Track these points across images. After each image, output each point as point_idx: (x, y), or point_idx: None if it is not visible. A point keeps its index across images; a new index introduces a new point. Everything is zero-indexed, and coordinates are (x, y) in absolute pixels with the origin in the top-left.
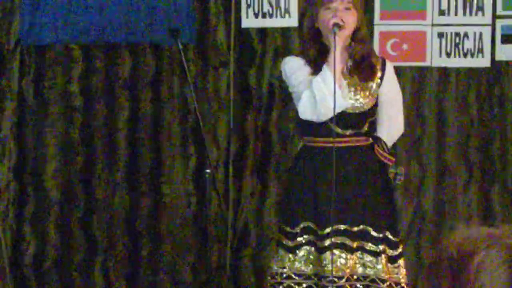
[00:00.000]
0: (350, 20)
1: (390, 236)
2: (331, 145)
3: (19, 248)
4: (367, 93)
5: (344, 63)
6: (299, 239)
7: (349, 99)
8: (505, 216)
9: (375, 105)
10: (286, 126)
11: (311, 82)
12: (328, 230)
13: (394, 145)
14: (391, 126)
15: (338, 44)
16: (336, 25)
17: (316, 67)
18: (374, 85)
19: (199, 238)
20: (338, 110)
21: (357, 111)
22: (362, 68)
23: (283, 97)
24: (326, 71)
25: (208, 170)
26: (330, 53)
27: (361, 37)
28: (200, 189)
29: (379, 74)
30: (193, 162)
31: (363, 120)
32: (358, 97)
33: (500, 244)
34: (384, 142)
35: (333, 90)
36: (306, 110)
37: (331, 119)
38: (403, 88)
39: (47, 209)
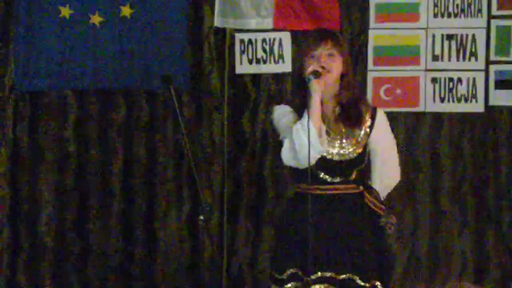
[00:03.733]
0: (334, 66)
1: (380, 286)
2: (320, 192)
3: None
4: (354, 141)
5: (331, 110)
6: (287, 285)
7: (335, 147)
8: (500, 261)
9: (363, 153)
10: (280, 170)
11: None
12: (313, 276)
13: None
14: (383, 175)
15: (316, 91)
16: (312, 72)
17: (300, 114)
18: (362, 133)
19: (194, 284)
20: (317, 156)
21: (343, 159)
22: (349, 114)
23: (277, 141)
24: (305, 118)
25: (201, 217)
26: (310, 100)
27: (347, 83)
28: (194, 234)
29: (368, 122)
30: (187, 207)
31: (350, 167)
32: (344, 144)
33: None
34: (376, 190)
35: (313, 137)
36: (287, 157)
37: (319, 167)
38: (396, 134)
39: (41, 255)
